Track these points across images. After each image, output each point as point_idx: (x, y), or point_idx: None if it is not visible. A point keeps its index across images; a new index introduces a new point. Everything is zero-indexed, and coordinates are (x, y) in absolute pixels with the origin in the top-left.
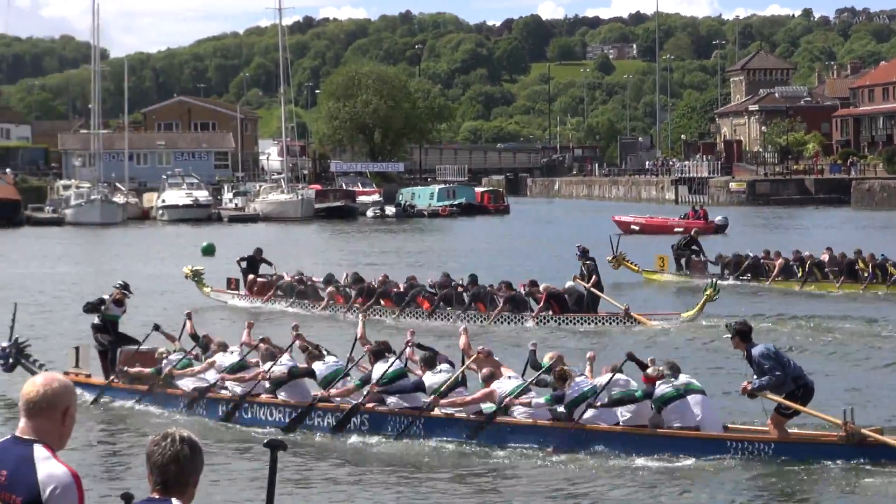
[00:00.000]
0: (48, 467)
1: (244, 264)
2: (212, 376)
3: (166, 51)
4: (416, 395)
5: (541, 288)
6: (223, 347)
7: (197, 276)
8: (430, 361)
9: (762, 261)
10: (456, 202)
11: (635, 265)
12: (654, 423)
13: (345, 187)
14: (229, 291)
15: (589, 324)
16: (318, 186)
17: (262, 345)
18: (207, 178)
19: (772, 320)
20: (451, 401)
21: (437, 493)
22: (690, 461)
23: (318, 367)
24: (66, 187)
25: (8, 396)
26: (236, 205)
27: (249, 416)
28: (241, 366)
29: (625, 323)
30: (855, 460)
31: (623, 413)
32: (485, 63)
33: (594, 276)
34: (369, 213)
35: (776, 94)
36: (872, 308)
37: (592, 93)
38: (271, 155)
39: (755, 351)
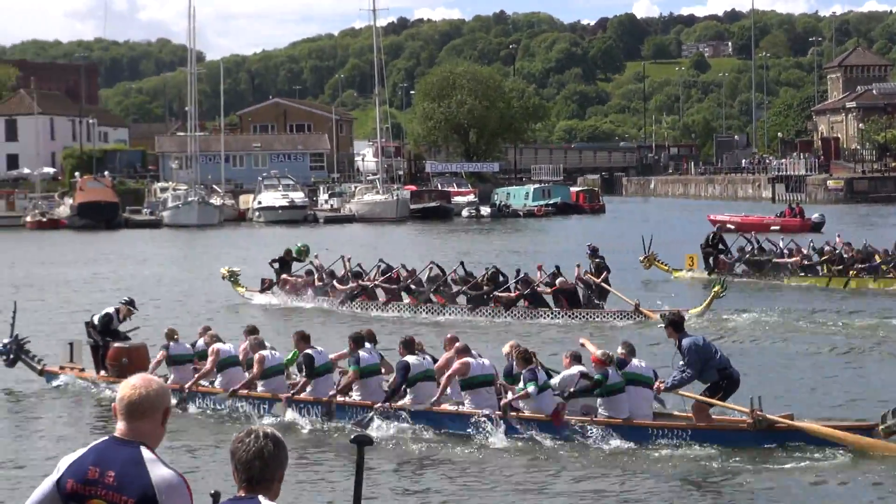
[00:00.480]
0: (160, 470)
1: (276, 265)
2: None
3: (262, 53)
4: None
5: (557, 282)
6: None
7: (233, 277)
8: (409, 346)
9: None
10: (551, 202)
11: (665, 265)
12: (585, 408)
13: (440, 188)
14: (261, 291)
15: (597, 319)
16: (414, 187)
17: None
18: (303, 180)
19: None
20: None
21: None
22: (622, 447)
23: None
24: (164, 189)
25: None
26: (332, 206)
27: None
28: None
29: (635, 318)
30: (764, 444)
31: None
32: (579, 62)
33: (604, 273)
34: (464, 213)
35: (874, 91)
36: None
37: (688, 91)
38: (366, 156)
39: (684, 342)
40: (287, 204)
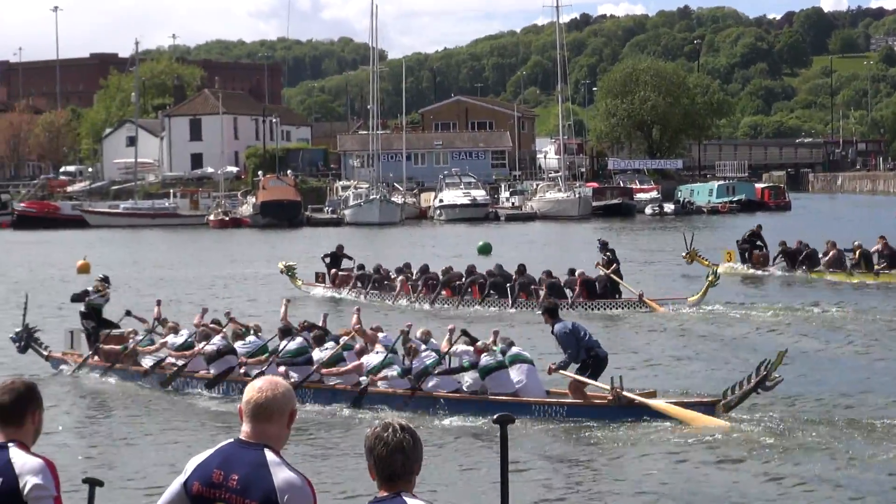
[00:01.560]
0: (283, 473)
1: (328, 260)
2: (164, 353)
3: (444, 51)
4: (308, 368)
5: (576, 275)
6: (174, 330)
7: (290, 272)
8: (319, 339)
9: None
10: (735, 199)
11: (706, 260)
12: (477, 390)
13: (622, 185)
14: (317, 284)
15: (610, 309)
16: (596, 184)
17: (202, 327)
18: (484, 178)
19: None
20: (329, 371)
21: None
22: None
23: (238, 345)
24: (345, 188)
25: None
26: (513, 203)
27: (187, 387)
28: (187, 345)
29: (638, 308)
30: (622, 419)
31: (466, 380)
32: (765, 57)
33: (613, 265)
34: (648, 210)
35: None
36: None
37: (876, 85)
38: (548, 153)
39: (556, 328)
40: (468, 202)
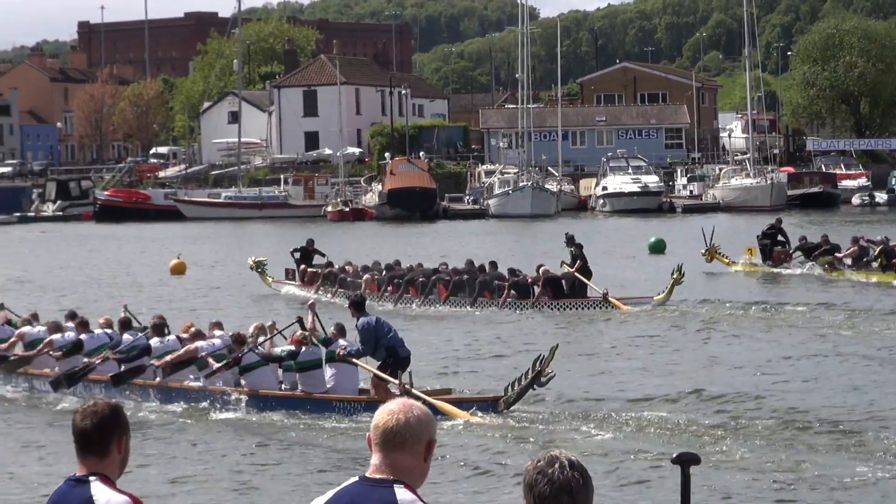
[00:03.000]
0: None
1: (297, 255)
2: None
3: (607, 8)
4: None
5: (539, 272)
6: (57, 329)
7: (260, 267)
8: (158, 329)
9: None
10: None
11: (726, 257)
12: (290, 383)
13: (824, 169)
14: (287, 282)
15: (576, 308)
16: (791, 169)
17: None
18: (657, 161)
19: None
20: (162, 361)
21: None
22: (307, 417)
23: (84, 338)
24: (489, 173)
25: None
26: (691, 192)
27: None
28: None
29: (603, 307)
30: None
31: (283, 375)
32: None
33: (578, 262)
34: (855, 200)
35: None
36: None
37: None
38: (734, 131)
39: (360, 322)
40: (638, 189)
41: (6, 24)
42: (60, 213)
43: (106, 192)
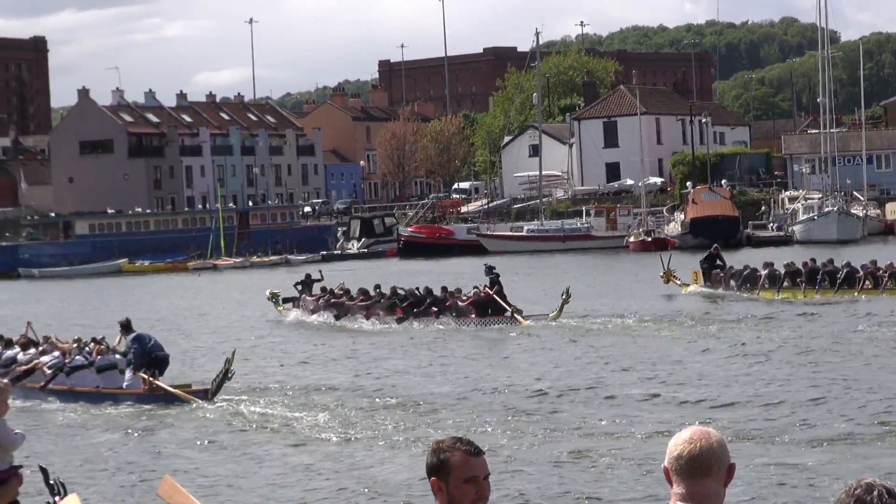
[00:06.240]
0: None
1: (300, 287)
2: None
3: None
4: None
5: (464, 296)
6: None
7: (275, 298)
8: (25, 345)
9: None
10: None
11: (678, 280)
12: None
13: None
14: (293, 309)
15: (494, 325)
16: None
17: None
18: None
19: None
20: (21, 368)
21: None
22: (111, 409)
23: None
24: (793, 199)
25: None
26: None
27: None
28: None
29: (510, 322)
30: (157, 402)
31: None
32: None
33: (496, 287)
34: None
35: None
36: None
37: None
38: None
39: (129, 337)
40: None
41: (309, 66)
42: (365, 251)
43: (409, 229)
